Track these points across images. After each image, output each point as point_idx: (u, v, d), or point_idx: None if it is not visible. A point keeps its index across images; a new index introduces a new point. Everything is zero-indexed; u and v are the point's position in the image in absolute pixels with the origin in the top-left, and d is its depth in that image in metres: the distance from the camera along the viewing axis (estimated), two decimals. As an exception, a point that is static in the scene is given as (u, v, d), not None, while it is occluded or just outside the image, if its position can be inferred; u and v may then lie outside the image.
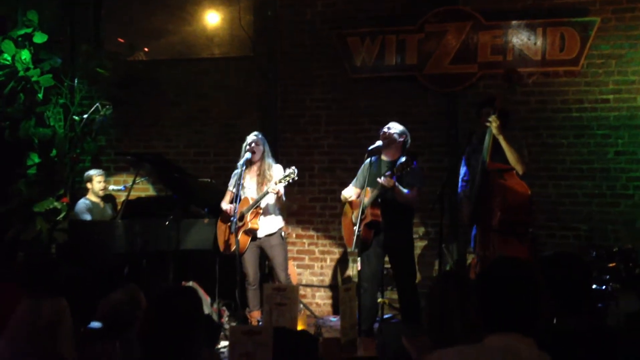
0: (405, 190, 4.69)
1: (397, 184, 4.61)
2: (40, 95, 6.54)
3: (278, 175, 5.09)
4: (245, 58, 6.80)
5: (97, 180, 6.20)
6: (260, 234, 5.19)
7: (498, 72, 5.52)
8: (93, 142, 6.89)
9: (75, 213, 6.07)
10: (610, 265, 4.79)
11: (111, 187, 6.51)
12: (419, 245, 6.16)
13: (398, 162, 4.70)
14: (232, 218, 5.01)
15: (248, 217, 5.12)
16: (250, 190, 5.24)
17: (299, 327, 3.75)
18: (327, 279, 6.59)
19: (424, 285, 5.65)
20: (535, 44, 6.01)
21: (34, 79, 6.43)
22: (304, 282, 6.57)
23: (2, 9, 6.58)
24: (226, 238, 5.28)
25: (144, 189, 6.89)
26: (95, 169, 6.36)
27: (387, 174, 4.61)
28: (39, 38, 6.43)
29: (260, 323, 4.83)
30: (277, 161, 5.50)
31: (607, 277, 4.68)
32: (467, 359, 1.87)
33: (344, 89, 6.52)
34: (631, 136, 5.87)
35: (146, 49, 7.00)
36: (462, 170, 4.74)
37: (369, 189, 4.73)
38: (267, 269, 5.74)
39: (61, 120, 6.75)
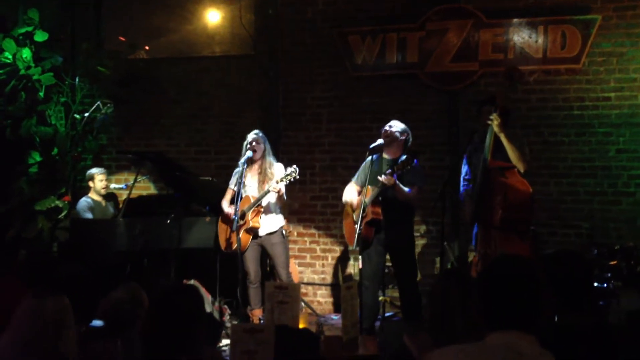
0: (406, 189, 4.69)
1: (397, 182, 4.61)
2: (41, 94, 6.55)
3: (279, 174, 5.10)
4: (246, 56, 6.80)
5: (99, 179, 6.20)
6: (262, 232, 5.20)
7: (499, 70, 5.50)
8: (94, 140, 6.90)
9: (77, 211, 6.08)
10: (612, 263, 4.79)
11: (112, 185, 6.52)
12: (420, 243, 6.16)
13: (399, 161, 4.70)
14: (233, 216, 5.01)
15: (249, 215, 5.12)
16: (251, 188, 5.24)
17: (301, 325, 3.74)
18: (328, 277, 6.59)
19: (425, 283, 5.65)
20: (536, 42, 6.00)
21: (35, 77, 6.44)
22: (305, 280, 6.57)
23: (3, 8, 6.58)
24: (227, 236, 5.29)
25: (145, 188, 6.90)
26: (97, 168, 6.36)
27: (387, 172, 4.61)
28: (40, 36, 6.43)
29: (262, 321, 4.84)
30: (279, 159, 5.50)
31: (609, 275, 4.68)
32: (469, 357, 1.87)
33: (345, 87, 6.52)
34: (632, 134, 5.87)
35: (147, 47, 6.99)
36: (464, 169, 4.73)
37: (370, 187, 4.73)
38: (268, 267, 5.74)
39: (62, 119, 6.77)
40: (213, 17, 6.88)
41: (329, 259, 6.60)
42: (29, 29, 6.42)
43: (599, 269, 4.73)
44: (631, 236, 5.54)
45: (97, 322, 2.99)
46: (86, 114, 6.65)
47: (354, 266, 6.38)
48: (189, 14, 6.92)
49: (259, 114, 6.71)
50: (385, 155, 4.92)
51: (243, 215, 5.14)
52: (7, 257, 5.81)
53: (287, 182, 5.00)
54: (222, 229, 5.39)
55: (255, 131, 5.33)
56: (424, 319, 4.63)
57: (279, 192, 5.02)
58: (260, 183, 5.19)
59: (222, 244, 5.36)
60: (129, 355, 2.85)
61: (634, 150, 5.86)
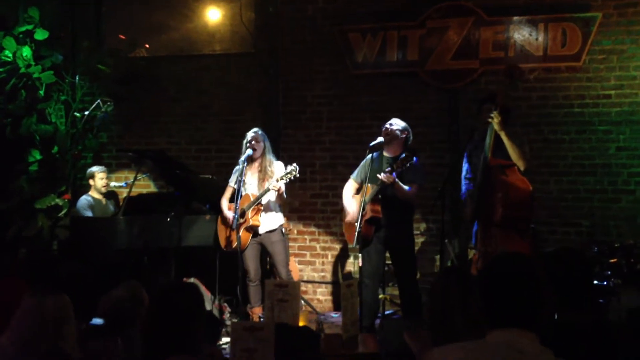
0: (405, 187, 4.69)
1: (397, 180, 4.61)
2: (41, 92, 6.55)
3: (279, 172, 5.09)
4: (246, 54, 6.79)
5: (99, 177, 6.20)
6: (261, 230, 5.20)
7: (499, 68, 5.51)
8: (94, 138, 6.90)
9: (77, 210, 6.07)
10: (612, 260, 4.78)
11: (112, 183, 6.51)
12: (420, 241, 6.17)
13: (399, 158, 4.69)
14: (233, 214, 5.01)
15: (249, 213, 5.13)
16: (251, 186, 5.24)
17: (301, 323, 3.74)
18: (328, 275, 6.60)
19: (425, 281, 5.65)
20: (536, 39, 6.00)
21: (35, 75, 6.43)
22: (305, 278, 6.58)
23: (3, 6, 6.57)
24: (227, 234, 5.29)
25: (145, 186, 6.90)
26: (98, 166, 6.36)
27: (387, 170, 4.61)
28: (40, 35, 6.42)
29: (262, 319, 4.84)
30: (279, 157, 5.49)
31: (609, 272, 4.68)
32: (469, 355, 1.87)
33: (346, 85, 6.52)
34: (633, 132, 5.86)
35: (147, 46, 6.98)
36: (464, 167, 4.72)
37: (369, 185, 4.73)
38: (268, 265, 5.74)
39: (62, 117, 6.77)
40: (213, 15, 6.88)
41: (329, 257, 6.60)
42: (29, 27, 6.41)
43: (599, 267, 4.73)
44: (631, 234, 5.54)
45: (98, 320, 3.00)
46: (86, 112, 6.65)
47: (354, 264, 6.39)
48: (189, 12, 6.91)
49: (259, 112, 6.71)
50: (385, 154, 4.92)
51: (243, 214, 5.14)
52: (7, 256, 5.82)
53: (287, 180, 5.00)
54: (222, 227, 5.39)
55: (255, 129, 5.32)
56: (424, 316, 4.63)
57: (279, 190, 5.02)
58: (260, 181, 5.19)
59: (222, 242, 5.36)
60: (129, 353, 2.85)
61: (634, 148, 5.86)
